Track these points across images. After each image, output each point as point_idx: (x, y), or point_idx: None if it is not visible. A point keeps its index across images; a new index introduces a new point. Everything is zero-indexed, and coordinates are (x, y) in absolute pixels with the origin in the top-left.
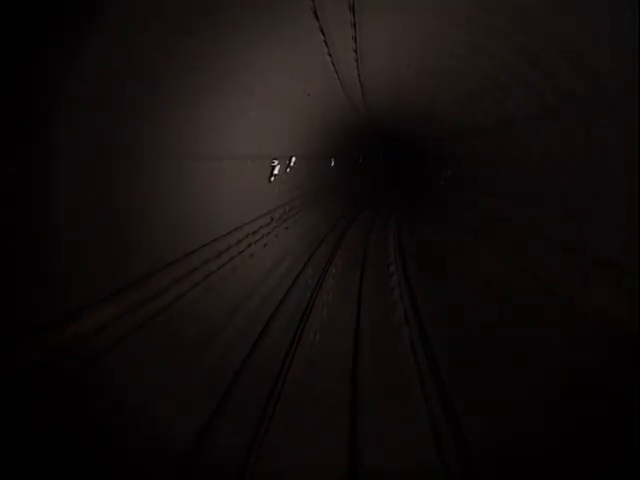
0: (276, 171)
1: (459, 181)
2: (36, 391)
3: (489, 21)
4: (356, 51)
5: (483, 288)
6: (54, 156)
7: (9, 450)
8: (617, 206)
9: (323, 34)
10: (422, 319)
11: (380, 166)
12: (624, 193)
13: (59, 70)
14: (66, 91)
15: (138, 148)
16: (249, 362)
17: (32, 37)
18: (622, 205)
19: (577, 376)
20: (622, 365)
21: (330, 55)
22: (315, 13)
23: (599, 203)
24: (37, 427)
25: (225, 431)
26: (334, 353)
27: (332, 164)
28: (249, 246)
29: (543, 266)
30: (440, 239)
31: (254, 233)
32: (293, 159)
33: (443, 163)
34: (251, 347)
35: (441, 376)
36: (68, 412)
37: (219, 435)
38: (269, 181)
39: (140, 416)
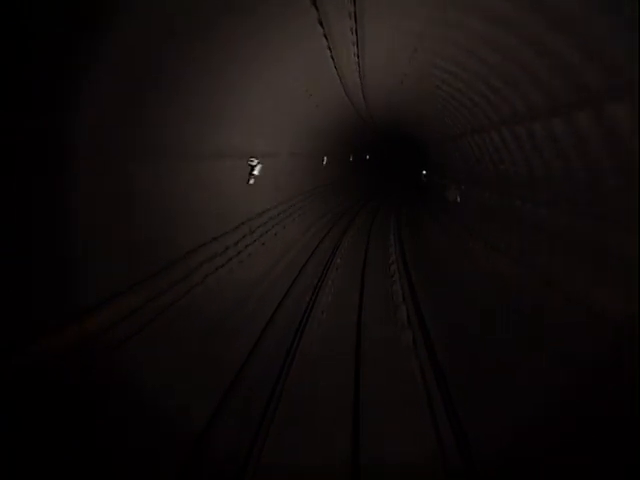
0: (256, 172)
1: (452, 175)
2: (52, 381)
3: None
4: (357, 55)
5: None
6: (72, 156)
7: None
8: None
9: (327, 39)
10: (424, 319)
11: (380, 163)
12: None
13: (84, 72)
14: (86, 91)
15: (156, 148)
16: (256, 352)
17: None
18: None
19: (577, 376)
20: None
21: (333, 59)
22: (320, 22)
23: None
24: (60, 412)
25: (231, 422)
26: (337, 349)
27: (330, 161)
28: (254, 241)
29: (537, 257)
30: (438, 237)
31: (262, 225)
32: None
33: (436, 160)
34: (259, 335)
35: (444, 375)
36: (83, 401)
37: (225, 425)
38: (247, 182)
39: (149, 407)
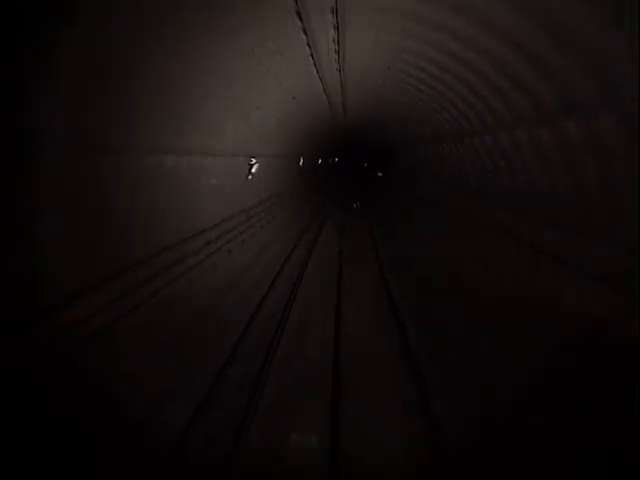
0: (254, 169)
1: (427, 180)
2: (30, 375)
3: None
4: (338, 62)
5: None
6: (38, 155)
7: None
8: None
9: (309, 47)
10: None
11: (353, 165)
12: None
13: (36, 68)
14: (47, 90)
15: (127, 145)
16: (239, 347)
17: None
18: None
19: (555, 372)
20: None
21: (315, 65)
22: (304, 30)
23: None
24: (29, 412)
25: (215, 414)
26: (316, 340)
27: (318, 162)
28: (240, 234)
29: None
30: (413, 236)
31: (248, 220)
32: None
33: (411, 166)
34: (240, 333)
35: (418, 365)
36: (59, 397)
37: (210, 417)
38: (246, 178)
39: (130, 400)
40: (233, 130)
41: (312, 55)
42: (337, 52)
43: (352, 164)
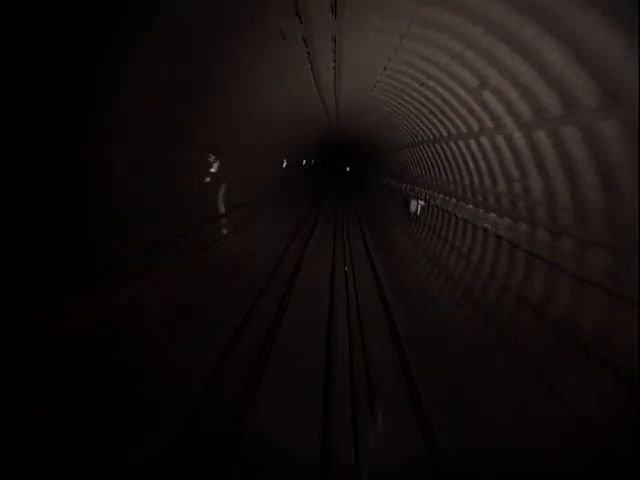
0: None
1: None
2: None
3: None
4: (335, 68)
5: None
6: (105, 141)
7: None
8: None
9: (308, 54)
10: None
11: (343, 166)
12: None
13: (114, 68)
14: (117, 88)
15: (179, 141)
16: (243, 330)
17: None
18: None
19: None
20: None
21: (312, 70)
22: (304, 40)
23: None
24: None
25: (222, 390)
26: (312, 321)
27: (311, 162)
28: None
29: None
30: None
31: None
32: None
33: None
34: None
35: (409, 365)
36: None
37: (219, 390)
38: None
39: (152, 365)
40: (269, 138)
41: (319, 91)
42: (335, 74)
43: (339, 165)
